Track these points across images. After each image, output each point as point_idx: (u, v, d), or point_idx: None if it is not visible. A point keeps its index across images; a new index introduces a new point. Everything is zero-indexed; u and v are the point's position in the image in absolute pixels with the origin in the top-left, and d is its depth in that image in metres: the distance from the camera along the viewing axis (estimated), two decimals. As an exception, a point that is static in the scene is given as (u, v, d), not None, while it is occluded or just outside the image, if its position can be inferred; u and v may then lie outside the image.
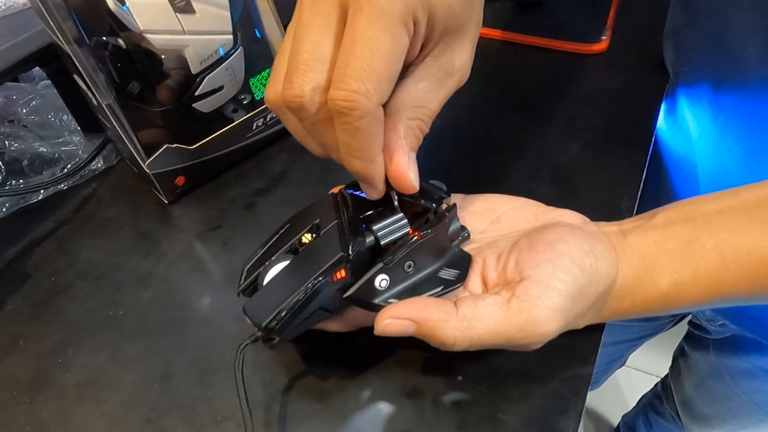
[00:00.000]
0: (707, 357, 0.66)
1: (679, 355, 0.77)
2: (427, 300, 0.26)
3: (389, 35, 0.22)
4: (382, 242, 0.27)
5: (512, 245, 0.29)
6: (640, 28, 0.54)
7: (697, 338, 0.68)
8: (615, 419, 1.19)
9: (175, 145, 0.40)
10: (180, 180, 0.42)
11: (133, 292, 0.37)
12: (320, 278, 0.25)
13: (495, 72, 0.51)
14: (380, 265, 0.26)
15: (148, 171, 0.39)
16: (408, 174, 0.25)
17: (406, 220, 0.27)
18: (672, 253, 0.27)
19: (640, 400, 0.98)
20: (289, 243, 0.29)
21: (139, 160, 0.39)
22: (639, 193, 0.40)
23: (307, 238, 0.29)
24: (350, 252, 0.26)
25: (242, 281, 0.29)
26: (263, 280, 0.28)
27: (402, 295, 0.27)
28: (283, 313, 0.25)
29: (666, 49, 0.49)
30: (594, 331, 0.33)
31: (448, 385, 0.31)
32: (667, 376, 0.84)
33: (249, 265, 0.30)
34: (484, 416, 0.29)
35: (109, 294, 0.37)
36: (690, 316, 0.71)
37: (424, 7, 0.22)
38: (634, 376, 1.29)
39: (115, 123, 0.37)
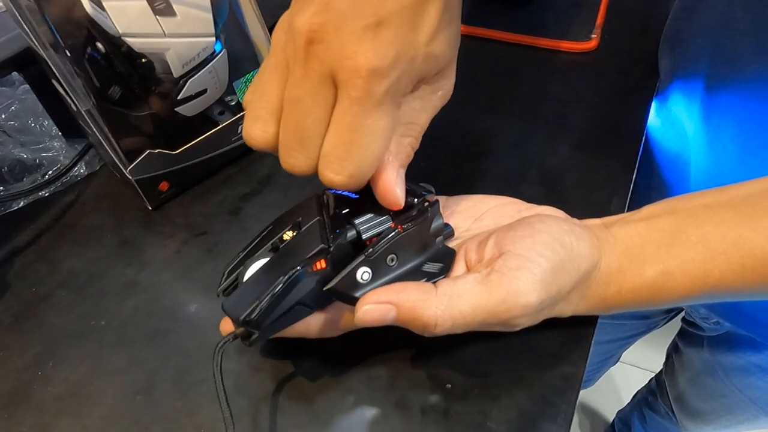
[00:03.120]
0: (701, 354, 0.66)
1: (673, 352, 0.77)
2: (406, 283, 0.26)
3: (387, 120, 0.23)
4: (363, 236, 0.27)
5: (493, 231, 0.29)
6: (630, 27, 0.53)
7: (690, 335, 0.68)
8: (610, 415, 1.20)
9: (157, 151, 0.39)
10: (164, 186, 0.41)
11: (116, 301, 0.36)
12: (299, 268, 0.25)
13: (483, 71, 0.51)
14: (362, 257, 0.26)
15: (130, 177, 0.39)
16: (395, 190, 0.26)
17: (388, 215, 0.27)
18: (657, 244, 0.27)
19: (634, 395, 0.98)
20: (270, 242, 0.29)
21: (120, 166, 0.38)
22: (629, 194, 0.40)
23: (288, 235, 0.29)
24: (330, 244, 0.26)
25: (223, 281, 0.29)
26: (243, 278, 0.28)
27: None
28: (261, 305, 0.25)
29: (662, 48, 0.48)
30: (583, 335, 0.32)
31: (436, 393, 0.30)
32: (661, 372, 0.84)
33: (231, 266, 0.30)
34: (473, 425, 0.29)
35: (91, 304, 0.36)
36: (683, 313, 0.71)
37: (414, 75, 0.24)
38: (629, 372, 1.29)
39: (95, 129, 0.36)
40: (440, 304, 0.25)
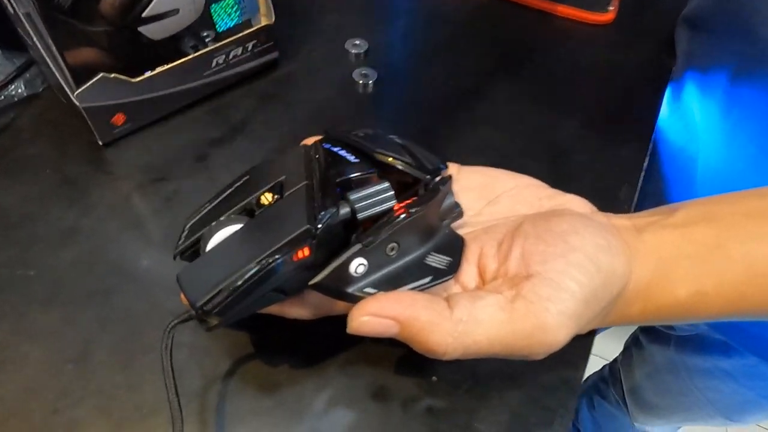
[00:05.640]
0: (666, 352, 0.65)
1: (633, 344, 0.77)
2: (414, 295, 0.22)
3: None
4: (359, 215, 0.22)
5: (515, 231, 0.24)
6: (650, 2, 0.50)
7: (657, 332, 0.67)
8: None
9: (113, 75, 0.33)
10: (119, 118, 0.35)
11: (51, 249, 0.31)
12: (277, 256, 0.20)
13: (493, 34, 0.46)
14: (358, 246, 0.21)
15: (77, 103, 0.32)
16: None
17: (392, 191, 0.22)
18: (692, 258, 0.24)
19: (585, 381, 0.99)
20: (244, 202, 0.24)
21: (66, 89, 0.32)
22: (639, 183, 0.36)
23: (267, 198, 0.23)
24: (318, 225, 0.21)
25: (182, 240, 0.24)
26: (207, 244, 0.23)
27: (381, 285, 0.22)
28: (225, 294, 0.20)
29: (679, 30, 0.45)
30: (585, 334, 0.29)
31: (420, 386, 0.27)
32: (615, 360, 0.84)
33: (192, 221, 0.24)
34: (459, 425, 0.26)
35: (19, 249, 0.30)
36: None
37: None
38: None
39: (36, 40, 0.30)
40: (453, 331, 0.21)
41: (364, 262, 0.22)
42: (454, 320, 0.21)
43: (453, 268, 0.24)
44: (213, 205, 0.25)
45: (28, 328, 0.28)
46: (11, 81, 0.36)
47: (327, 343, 0.28)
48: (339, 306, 0.24)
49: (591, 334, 0.29)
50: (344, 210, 0.22)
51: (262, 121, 0.38)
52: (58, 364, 0.26)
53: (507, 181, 0.28)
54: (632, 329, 0.78)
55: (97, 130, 0.35)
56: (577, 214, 0.25)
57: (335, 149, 0.25)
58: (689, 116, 0.44)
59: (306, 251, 0.21)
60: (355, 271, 0.21)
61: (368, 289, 0.22)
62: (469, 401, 0.26)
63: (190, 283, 0.21)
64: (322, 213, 0.21)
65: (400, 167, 0.24)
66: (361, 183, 0.23)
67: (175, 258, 0.24)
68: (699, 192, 0.43)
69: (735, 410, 0.62)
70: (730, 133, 0.39)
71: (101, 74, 0.32)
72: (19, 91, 0.38)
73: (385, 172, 0.24)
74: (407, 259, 0.23)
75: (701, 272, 0.24)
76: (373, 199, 0.22)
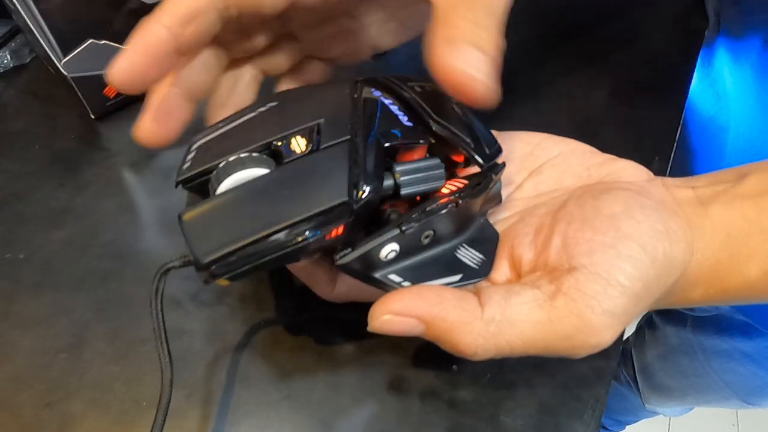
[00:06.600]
0: (682, 333, 0.64)
1: (646, 326, 0.75)
2: (442, 291, 0.19)
3: None
4: (403, 192, 0.19)
5: (557, 211, 0.22)
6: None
7: (673, 313, 0.65)
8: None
9: (103, 42, 0.30)
10: (112, 90, 0.33)
11: (41, 230, 0.29)
12: (307, 232, 0.17)
13: (516, 3, 0.43)
14: (396, 231, 0.19)
15: (66, 73, 0.30)
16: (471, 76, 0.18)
17: (443, 170, 0.20)
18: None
19: (597, 363, 0.98)
20: (270, 138, 0.20)
21: (53, 57, 0.30)
22: (672, 156, 0.34)
23: (299, 144, 0.19)
24: (358, 200, 0.18)
25: (188, 165, 0.20)
26: (220, 183, 0.19)
27: (408, 273, 0.20)
28: (238, 258, 0.17)
29: None
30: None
31: (440, 376, 0.25)
32: (627, 340, 0.83)
33: (202, 141, 0.20)
34: (483, 418, 0.24)
35: (6, 230, 0.28)
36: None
37: None
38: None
39: (17, 2, 0.27)
40: (485, 332, 0.19)
41: (396, 248, 0.19)
42: (486, 320, 0.19)
43: (485, 269, 0.21)
44: (230, 127, 0.20)
45: (18, 315, 0.26)
46: (-5, 50, 0.34)
47: (340, 330, 0.26)
48: (366, 294, 0.22)
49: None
50: (387, 183, 0.19)
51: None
52: (50, 353, 0.25)
53: (551, 147, 0.25)
54: (644, 310, 0.76)
55: (89, 103, 0.32)
56: (632, 188, 0.22)
57: (387, 101, 0.22)
58: (720, 84, 0.41)
59: (340, 230, 0.18)
60: (386, 257, 0.19)
61: (393, 276, 0.20)
62: (494, 392, 0.25)
63: (196, 231, 0.18)
64: (365, 186, 0.18)
65: (460, 149, 0.21)
66: (408, 151, 0.20)
67: (177, 186, 0.20)
68: (729, 163, 0.40)
69: (753, 393, 0.60)
70: (764, 100, 0.37)
71: (90, 40, 0.30)
72: (5, 61, 0.35)
73: (437, 143, 0.21)
74: (439, 249, 0.21)
75: None
76: (422, 175, 0.20)
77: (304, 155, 0.19)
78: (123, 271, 0.27)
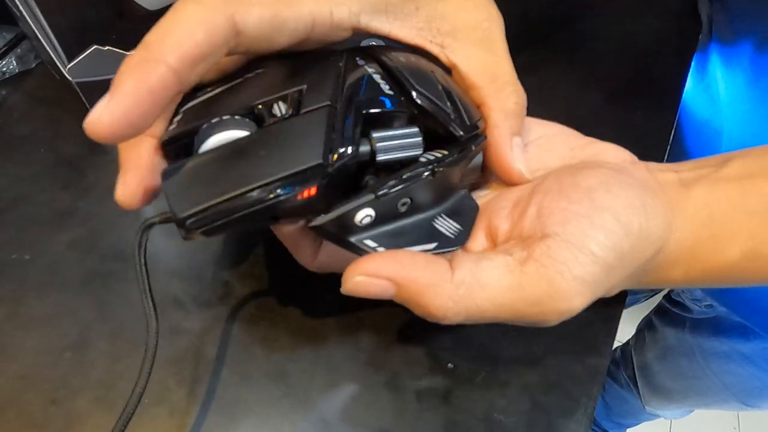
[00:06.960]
0: (681, 335, 0.64)
1: (646, 328, 0.75)
2: (414, 255, 0.20)
3: None
4: (378, 159, 0.20)
5: (536, 186, 0.22)
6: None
7: (672, 315, 0.66)
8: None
9: (107, 48, 0.31)
10: (115, 95, 0.33)
11: (46, 232, 0.29)
12: (279, 190, 0.18)
13: (511, 4, 0.44)
14: (371, 196, 0.19)
15: (70, 78, 0.31)
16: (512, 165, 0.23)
17: (421, 139, 0.20)
18: (751, 214, 0.21)
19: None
20: (253, 103, 0.20)
21: (58, 63, 0.30)
22: (665, 159, 0.35)
23: (280, 109, 0.20)
24: (332, 163, 0.18)
25: (173, 126, 0.20)
26: (202, 143, 0.19)
27: (383, 239, 0.20)
28: (212, 213, 0.18)
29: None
30: (610, 316, 0.28)
31: (435, 374, 0.25)
32: (627, 343, 0.83)
33: (188, 105, 0.21)
34: (477, 415, 0.24)
35: (13, 233, 0.29)
36: (666, 291, 0.69)
37: None
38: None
39: (22, 8, 0.28)
40: (455, 294, 0.19)
41: (371, 213, 0.20)
42: (455, 282, 0.19)
43: (461, 239, 0.22)
44: (215, 92, 0.21)
45: (24, 315, 0.26)
46: (1, 57, 0.34)
47: (339, 330, 0.26)
48: (346, 265, 0.21)
49: (616, 318, 0.27)
50: (364, 148, 0.19)
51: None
52: (55, 352, 0.25)
53: (535, 128, 0.25)
54: (645, 312, 0.76)
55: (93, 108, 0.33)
56: (613, 166, 0.22)
57: (371, 70, 0.22)
58: (713, 89, 0.42)
59: (313, 191, 0.18)
60: (360, 222, 0.20)
61: (368, 241, 0.20)
62: (488, 390, 0.25)
63: (175, 187, 0.18)
64: (341, 150, 0.18)
65: (439, 119, 0.21)
66: (388, 120, 0.20)
67: (162, 146, 0.20)
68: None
69: (752, 395, 0.60)
70: (757, 106, 0.37)
71: (94, 46, 0.30)
72: (11, 67, 0.36)
73: (419, 113, 0.21)
74: (416, 217, 0.21)
75: (760, 228, 0.21)
76: (399, 143, 0.20)
77: (284, 119, 0.19)
78: (126, 273, 0.28)
